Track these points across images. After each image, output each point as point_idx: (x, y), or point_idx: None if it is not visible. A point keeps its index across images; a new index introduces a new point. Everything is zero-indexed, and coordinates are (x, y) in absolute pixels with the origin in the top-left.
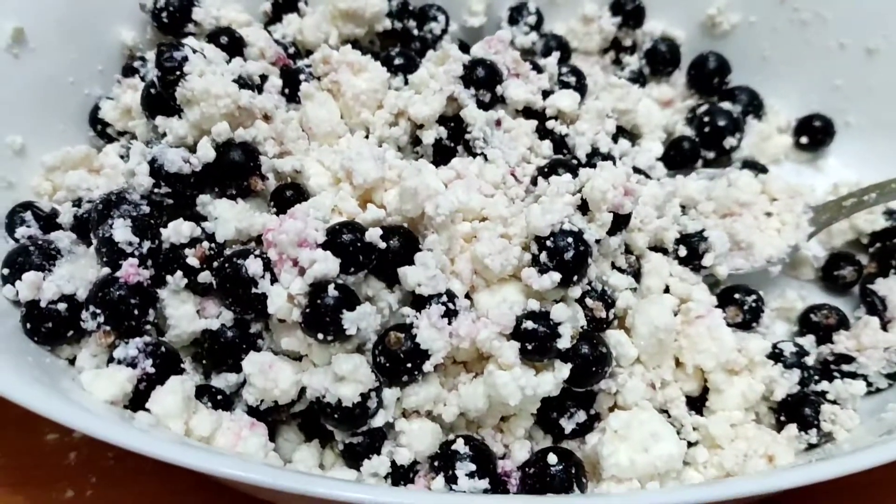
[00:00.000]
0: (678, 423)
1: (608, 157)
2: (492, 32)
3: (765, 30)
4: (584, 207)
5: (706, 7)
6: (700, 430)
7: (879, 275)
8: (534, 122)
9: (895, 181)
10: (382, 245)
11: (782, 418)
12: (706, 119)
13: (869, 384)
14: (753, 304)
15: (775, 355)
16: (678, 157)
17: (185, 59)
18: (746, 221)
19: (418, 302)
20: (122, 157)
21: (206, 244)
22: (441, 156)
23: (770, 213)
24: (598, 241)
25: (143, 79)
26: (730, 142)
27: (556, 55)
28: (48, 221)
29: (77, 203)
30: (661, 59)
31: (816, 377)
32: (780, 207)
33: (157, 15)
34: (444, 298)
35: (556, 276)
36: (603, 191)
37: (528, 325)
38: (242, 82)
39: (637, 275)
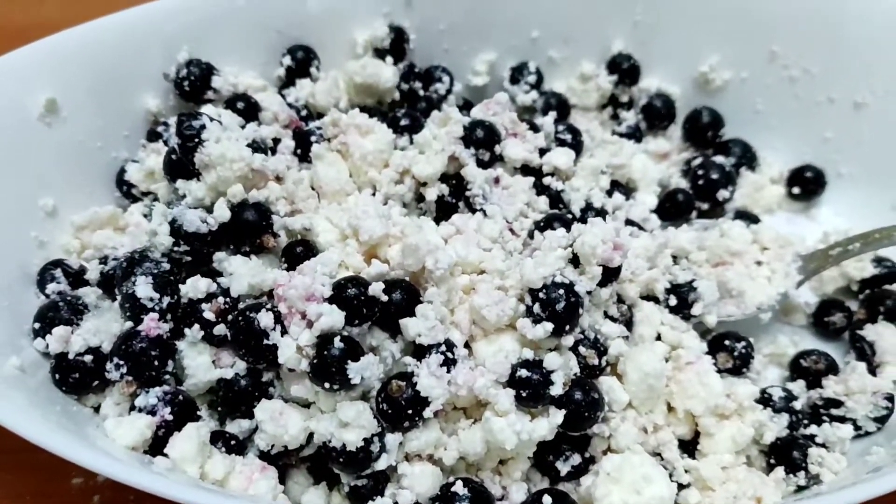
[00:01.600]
0: (671, 466)
1: (601, 211)
2: (495, 91)
3: (756, 85)
4: (575, 261)
5: (699, 64)
6: (692, 473)
7: (868, 321)
8: (531, 179)
9: (878, 231)
10: (385, 298)
11: (772, 461)
12: (700, 172)
13: (857, 427)
14: (743, 351)
15: (764, 400)
16: (673, 209)
17: (203, 127)
18: (738, 270)
19: (419, 351)
20: (145, 215)
21: (221, 299)
22: (443, 211)
23: (760, 262)
24: (589, 293)
25: (165, 143)
26: (723, 194)
27: (552, 115)
28: (76, 278)
29: (103, 260)
30: (657, 114)
31: (806, 421)
32: (771, 256)
33: (180, 83)
34: (444, 348)
35: (548, 326)
36: (593, 246)
37: (523, 373)
38: (256, 146)
39: (629, 323)
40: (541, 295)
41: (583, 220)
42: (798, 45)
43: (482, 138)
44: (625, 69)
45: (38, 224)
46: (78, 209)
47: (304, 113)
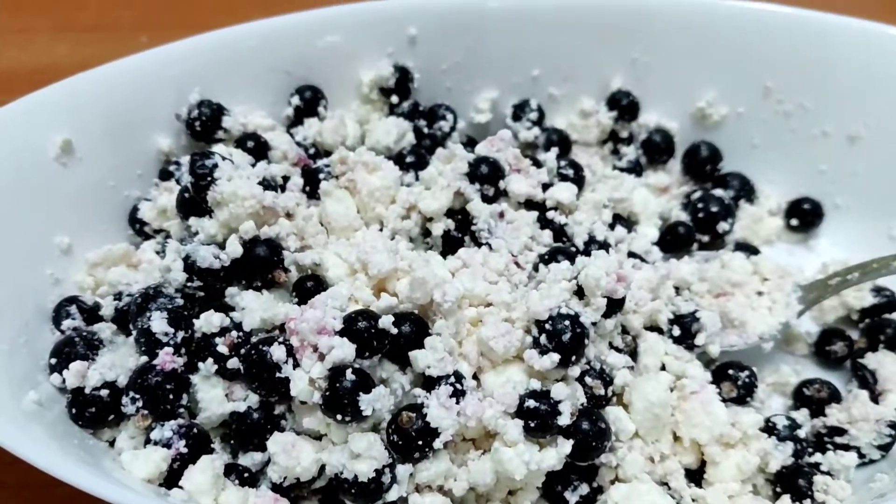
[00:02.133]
0: (678, 495)
1: (604, 244)
2: (497, 128)
3: (752, 120)
4: (580, 292)
5: (696, 100)
6: (699, 502)
7: (869, 349)
8: (535, 213)
9: (876, 261)
10: (395, 331)
11: (778, 489)
12: (700, 205)
13: (861, 455)
14: (747, 380)
15: (769, 428)
16: (674, 241)
17: (216, 165)
18: (739, 301)
19: (428, 383)
20: (157, 252)
21: (234, 333)
22: (449, 246)
23: (761, 293)
24: (594, 324)
25: (178, 182)
26: (722, 226)
27: (555, 150)
28: (91, 314)
29: (118, 297)
30: (657, 149)
31: (810, 449)
32: (771, 287)
33: (191, 124)
34: (453, 379)
35: (555, 357)
36: (596, 278)
37: (531, 403)
38: (266, 184)
39: (634, 354)
40: (547, 326)
41: (586, 252)
42: (791, 81)
43: (486, 174)
44: (624, 105)
45: (54, 262)
46: (92, 247)
47: (312, 151)
